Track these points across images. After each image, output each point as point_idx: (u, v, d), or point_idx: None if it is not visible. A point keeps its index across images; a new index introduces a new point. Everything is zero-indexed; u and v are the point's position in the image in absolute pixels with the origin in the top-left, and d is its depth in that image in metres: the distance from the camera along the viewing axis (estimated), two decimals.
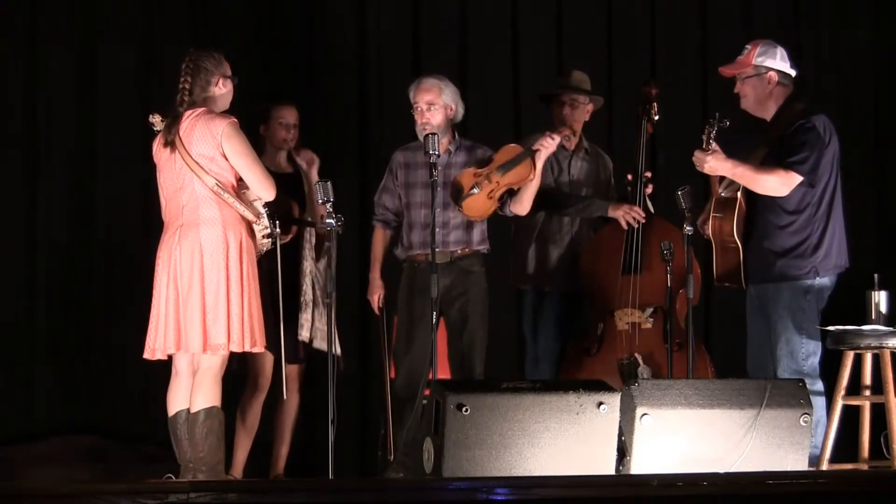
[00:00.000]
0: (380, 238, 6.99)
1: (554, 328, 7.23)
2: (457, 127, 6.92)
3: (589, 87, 7.37)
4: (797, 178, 6.50)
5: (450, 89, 6.82)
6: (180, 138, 5.95)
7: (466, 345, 6.75)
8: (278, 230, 6.12)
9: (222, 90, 6.09)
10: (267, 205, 6.04)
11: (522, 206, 6.83)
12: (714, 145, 6.52)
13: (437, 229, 6.66)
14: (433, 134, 6.58)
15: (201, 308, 5.88)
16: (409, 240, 6.82)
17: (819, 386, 6.51)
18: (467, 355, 6.74)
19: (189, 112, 5.98)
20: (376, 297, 6.95)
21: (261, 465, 7.01)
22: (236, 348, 5.94)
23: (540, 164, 6.77)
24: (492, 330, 6.85)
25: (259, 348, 6.03)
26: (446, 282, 6.69)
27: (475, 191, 6.70)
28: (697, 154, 6.57)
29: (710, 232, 6.67)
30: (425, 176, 6.63)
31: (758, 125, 6.77)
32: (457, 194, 6.72)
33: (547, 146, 6.77)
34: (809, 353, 6.53)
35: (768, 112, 6.70)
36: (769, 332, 6.58)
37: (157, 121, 6.07)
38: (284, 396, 6.66)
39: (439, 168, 6.66)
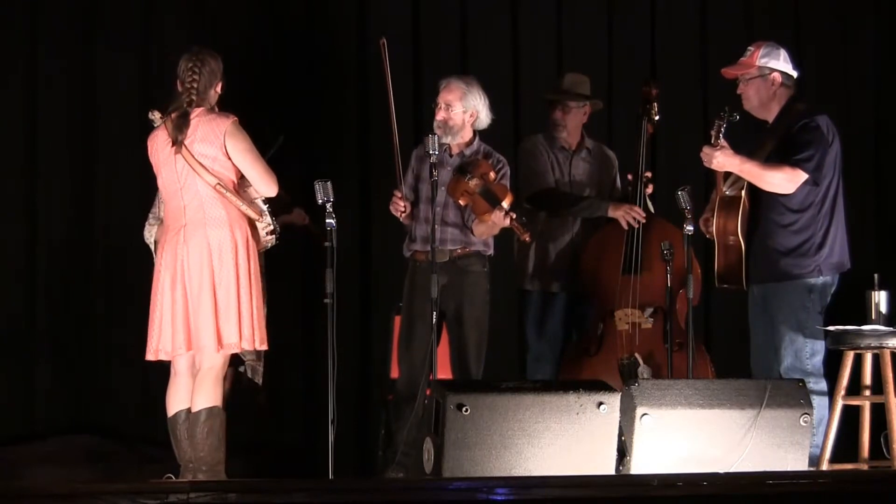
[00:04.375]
0: None
1: (561, 329, 7.24)
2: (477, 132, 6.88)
3: (587, 88, 7.36)
4: (803, 176, 6.50)
5: (475, 94, 6.79)
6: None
7: (462, 345, 6.74)
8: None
9: (219, 92, 6.09)
10: (266, 201, 6.05)
11: (476, 231, 6.75)
12: (722, 141, 6.52)
13: (436, 226, 6.66)
14: (433, 134, 6.61)
15: (213, 308, 5.88)
16: (413, 234, 6.82)
17: (823, 385, 6.52)
18: (462, 356, 6.73)
19: (189, 113, 5.98)
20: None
21: (260, 465, 7.01)
22: (248, 346, 5.96)
23: (496, 221, 6.59)
24: (492, 330, 6.84)
25: (266, 346, 6.03)
26: (444, 281, 6.68)
27: (467, 178, 6.65)
28: (706, 150, 6.56)
29: (712, 230, 6.66)
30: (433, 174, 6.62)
31: (759, 126, 6.77)
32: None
33: (499, 223, 6.58)
34: (813, 351, 6.54)
35: (771, 113, 6.70)
36: (773, 332, 6.58)
37: (156, 117, 6.05)
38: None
39: (448, 168, 6.69)
